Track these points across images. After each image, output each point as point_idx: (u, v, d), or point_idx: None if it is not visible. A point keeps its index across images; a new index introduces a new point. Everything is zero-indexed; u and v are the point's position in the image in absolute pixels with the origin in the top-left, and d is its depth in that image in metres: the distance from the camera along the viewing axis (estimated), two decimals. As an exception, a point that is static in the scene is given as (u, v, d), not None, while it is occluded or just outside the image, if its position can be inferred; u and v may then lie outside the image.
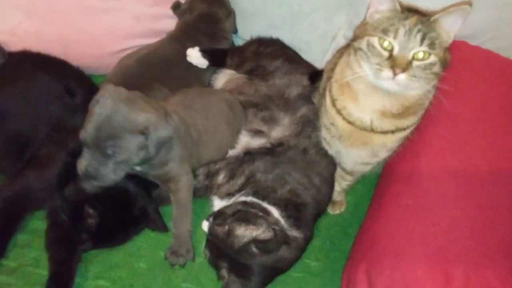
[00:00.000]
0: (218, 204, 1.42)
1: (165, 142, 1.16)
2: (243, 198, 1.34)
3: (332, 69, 1.42)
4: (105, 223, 1.25)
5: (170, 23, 1.89)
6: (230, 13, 1.93)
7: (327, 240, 1.44)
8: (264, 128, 1.49)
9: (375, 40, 1.09)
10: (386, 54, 1.08)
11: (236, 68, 1.75)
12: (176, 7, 1.91)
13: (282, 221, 1.29)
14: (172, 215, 1.31)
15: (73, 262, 1.24)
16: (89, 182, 1.16)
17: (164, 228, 1.35)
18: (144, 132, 1.11)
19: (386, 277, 1.11)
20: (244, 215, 1.27)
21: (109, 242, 1.29)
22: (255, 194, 1.33)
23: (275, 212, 1.30)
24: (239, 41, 1.99)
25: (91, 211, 1.22)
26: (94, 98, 1.13)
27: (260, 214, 1.27)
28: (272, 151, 1.43)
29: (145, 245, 1.35)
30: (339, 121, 1.28)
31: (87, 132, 1.10)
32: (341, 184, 1.50)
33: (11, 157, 1.39)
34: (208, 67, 1.77)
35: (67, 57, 1.64)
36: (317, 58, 1.85)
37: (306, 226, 1.34)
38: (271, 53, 1.74)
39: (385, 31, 1.08)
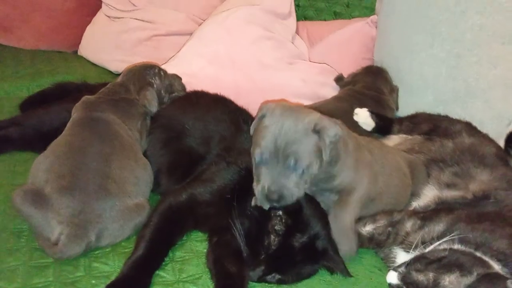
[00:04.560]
0: (403, 257, 1.17)
1: (336, 141, 1.09)
2: (446, 246, 1.08)
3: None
4: (285, 246, 1.07)
5: (331, 91, 1.94)
6: (394, 90, 1.92)
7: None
8: (457, 181, 1.31)
9: None
10: None
11: (408, 132, 1.64)
12: (339, 79, 1.97)
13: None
14: (332, 212, 1.18)
15: (244, 279, 1.04)
16: (271, 204, 1.05)
17: (346, 272, 1.11)
18: (316, 130, 1.06)
19: None
20: (455, 261, 1.01)
21: (283, 272, 1.07)
22: (463, 242, 1.08)
23: (494, 265, 1.02)
24: (397, 119, 1.91)
25: (278, 220, 1.07)
26: (257, 116, 1.12)
27: (477, 262, 1.01)
28: (474, 203, 1.22)
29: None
30: None
31: (265, 146, 1.05)
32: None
33: (178, 173, 1.35)
34: (372, 130, 1.69)
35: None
36: (489, 139, 1.69)
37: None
38: (447, 119, 1.63)
39: None
